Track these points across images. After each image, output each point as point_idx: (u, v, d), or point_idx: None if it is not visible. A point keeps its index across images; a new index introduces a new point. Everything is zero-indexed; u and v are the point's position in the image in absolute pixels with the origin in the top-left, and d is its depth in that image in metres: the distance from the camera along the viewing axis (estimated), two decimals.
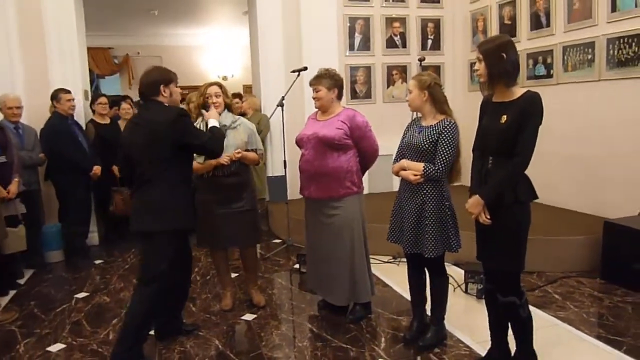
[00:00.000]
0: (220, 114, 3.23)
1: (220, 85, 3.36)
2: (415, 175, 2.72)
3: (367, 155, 3.27)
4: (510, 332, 2.55)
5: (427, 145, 2.71)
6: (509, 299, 2.41)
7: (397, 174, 2.87)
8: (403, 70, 6.22)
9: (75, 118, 4.90)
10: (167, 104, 2.80)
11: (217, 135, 2.93)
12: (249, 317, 3.40)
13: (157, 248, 2.74)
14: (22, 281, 4.25)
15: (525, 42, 5.26)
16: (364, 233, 3.27)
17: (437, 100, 2.76)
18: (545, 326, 3.08)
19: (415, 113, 2.99)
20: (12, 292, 3.98)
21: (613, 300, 3.44)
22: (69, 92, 4.63)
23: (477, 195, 2.38)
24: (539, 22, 5.11)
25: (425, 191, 2.73)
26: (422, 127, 2.79)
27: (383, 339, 3.02)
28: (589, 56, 4.53)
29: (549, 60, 4.99)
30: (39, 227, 4.60)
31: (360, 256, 3.23)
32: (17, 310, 3.61)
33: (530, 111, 2.26)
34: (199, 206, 3.25)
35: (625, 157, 4.26)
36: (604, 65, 4.40)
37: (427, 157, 2.72)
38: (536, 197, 2.39)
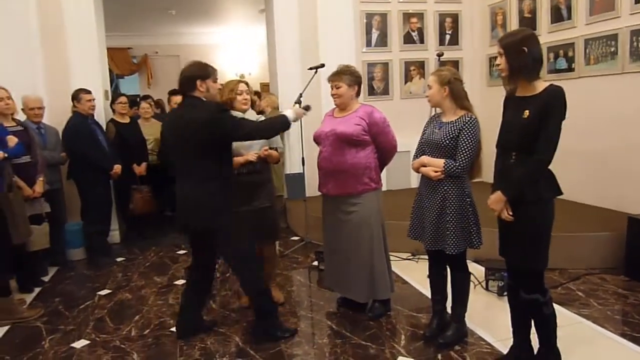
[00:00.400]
0: (245, 112, 3.26)
1: (247, 83, 3.40)
2: (436, 172, 2.69)
3: (385, 152, 3.26)
4: (533, 330, 2.52)
5: (447, 142, 2.68)
6: (533, 297, 2.38)
7: (417, 170, 2.84)
8: (421, 66, 6.17)
9: (95, 118, 4.98)
10: (205, 99, 2.83)
11: (271, 122, 2.97)
12: None
13: (225, 240, 2.83)
14: (46, 279, 4.34)
15: (546, 36, 5.18)
16: (383, 229, 3.26)
17: (458, 95, 2.72)
18: (569, 324, 3.03)
19: (434, 109, 2.96)
20: (37, 290, 4.06)
21: (638, 298, 3.38)
22: (89, 92, 4.69)
23: (499, 192, 2.35)
24: (559, 15, 5.02)
25: (446, 188, 2.70)
26: (442, 123, 2.76)
27: (403, 336, 3.01)
28: (612, 49, 4.44)
29: (570, 54, 4.90)
30: (61, 225, 4.69)
31: (380, 252, 3.22)
32: (42, 307, 3.68)
33: (552, 106, 2.22)
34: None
35: None
36: (628, 58, 4.30)
37: (447, 154, 2.69)
38: (560, 194, 2.35)
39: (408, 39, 6.11)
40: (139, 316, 3.47)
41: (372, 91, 6.04)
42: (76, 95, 4.64)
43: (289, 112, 2.95)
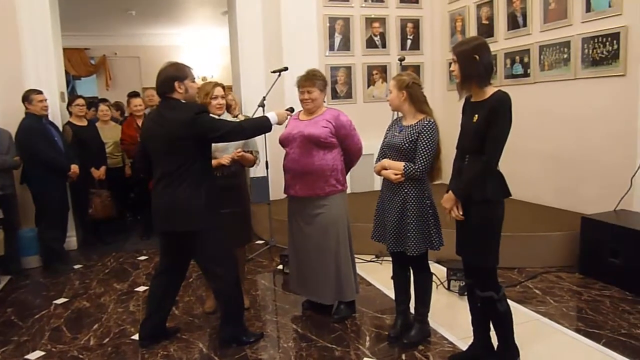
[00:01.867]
0: (220, 116, 3.25)
1: (223, 87, 3.40)
2: (397, 174, 2.76)
3: (351, 154, 3.29)
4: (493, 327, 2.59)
5: (407, 145, 2.75)
6: (487, 294, 2.46)
7: (378, 173, 2.90)
8: (383, 70, 6.25)
9: (50, 119, 4.81)
10: (183, 101, 2.80)
11: (253, 123, 2.93)
12: None
13: (208, 242, 2.82)
14: None
15: (503, 42, 5.34)
16: (349, 231, 3.28)
17: (416, 99, 2.80)
18: (527, 321, 3.13)
19: (396, 113, 3.01)
20: None
21: (591, 294, 3.51)
22: (40, 92, 4.51)
23: (450, 192, 2.47)
24: (515, 22, 5.18)
25: (406, 190, 2.76)
26: (402, 127, 2.83)
27: (367, 338, 3.03)
28: (565, 55, 4.62)
29: (525, 60, 5.07)
30: (14, 232, 4.50)
31: (346, 254, 3.24)
32: None
33: (497, 110, 2.32)
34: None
35: (601, 154, 4.35)
36: (580, 64, 4.48)
37: (407, 157, 2.76)
38: (508, 195, 2.45)
39: (370, 44, 6.18)
40: (97, 325, 3.37)
41: (335, 95, 6.07)
42: (27, 97, 4.46)
43: (272, 115, 2.94)
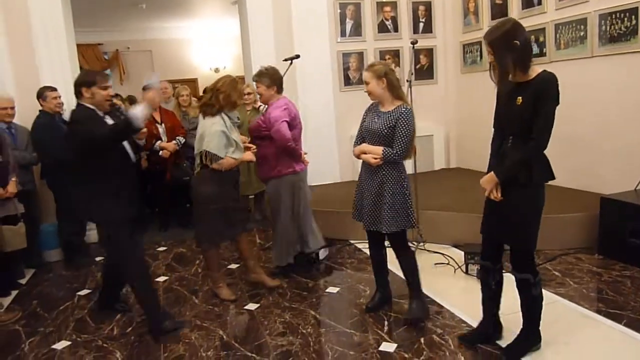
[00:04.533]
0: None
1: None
2: (375, 158, 2.86)
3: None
4: (502, 309, 2.58)
5: (386, 130, 2.86)
6: (524, 276, 2.46)
7: (358, 157, 3.01)
8: (396, 54, 6.19)
9: (67, 115, 4.86)
10: (89, 105, 2.95)
11: (120, 126, 2.93)
12: (251, 306, 3.42)
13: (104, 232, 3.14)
14: (23, 281, 4.25)
15: None
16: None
17: (394, 85, 2.89)
18: (546, 303, 3.06)
19: None
20: (14, 293, 3.98)
21: (612, 275, 3.48)
22: (54, 89, 4.56)
23: (492, 173, 2.41)
24: (530, 1, 5.08)
25: (384, 172, 2.89)
26: (380, 113, 2.94)
27: (386, 323, 3.04)
28: (582, 33, 4.52)
29: (541, 39, 4.97)
30: (37, 226, 4.58)
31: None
32: (20, 310, 3.61)
33: (544, 93, 2.26)
34: (224, 200, 3.40)
35: (619, 133, 4.28)
36: (597, 42, 4.39)
37: (386, 141, 2.87)
38: (553, 178, 2.41)
39: (382, 28, 6.12)
40: (120, 315, 3.43)
41: (347, 81, 6.04)
42: (41, 93, 4.51)
43: (135, 113, 2.82)
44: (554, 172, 2.41)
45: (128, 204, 3.01)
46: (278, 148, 3.60)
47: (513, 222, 2.40)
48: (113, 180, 2.96)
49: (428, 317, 3.02)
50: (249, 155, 3.50)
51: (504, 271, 2.61)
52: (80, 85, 2.92)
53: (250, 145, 3.62)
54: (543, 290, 3.24)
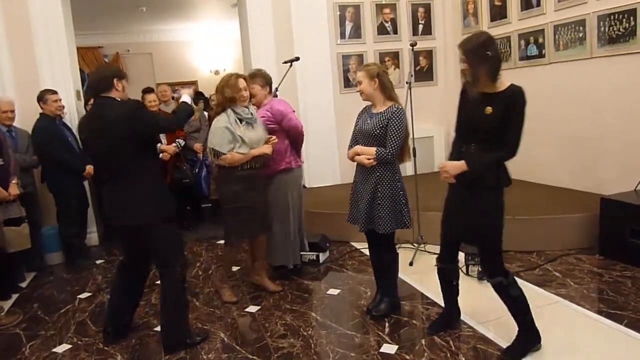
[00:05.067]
0: (247, 107, 3.44)
1: (245, 78, 3.51)
2: (369, 159, 2.90)
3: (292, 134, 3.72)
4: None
5: (378, 131, 2.89)
6: (497, 280, 2.53)
7: (352, 159, 3.03)
8: (395, 56, 6.20)
9: (68, 118, 4.89)
10: (120, 99, 2.82)
11: (181, 111, 3.05)
12: (252, 309, 3.42)
13: (156, 238, 2.82)
14: (24, 284, 4.25)
15: (517, 23, 5.25)
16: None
17: (386, 87, 2.94)
18: (547, 304, 3.11)
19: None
20: (14, 296, 3.98)
21: (612, 276, 3.48)
22: (55, 92, 4.57)
23: (463, 162, 2.47)
24: (529, 2, 5.09)
25: (378, 173, 2.92)
26: (373, 114, 2.97)
27: (387, 324, 3.04)
28: (580, 34, 4.53)
29: (540, 40, 4.98)
30: (37, 229, 4.59)
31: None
32: (21, 313, 3.61)
33: (516, 106, 2.38)
34: (237, 198, 3.40)
35: (619, 134, 4.28)
36: (596, 43, 4.40)
37: (378, 142, 2.91)
38: (511, 183, 2.53)
39: (382, 30, 6.13)
40: None
41: (347, 83, 6.04)
42: (42, 96, 4.52)
43: (186, 98, 3.09)
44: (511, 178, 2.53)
45: (169, 201, 2.94)
46: (292, 138, 3.69)
47: (483, 224, 2.50)
48: (155, 178, 2.89)
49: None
50: (258, 151, 3.38)
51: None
52: (112, 77, 2.78)
53: (271, 136, 3.53)
54: (544, 291, 3.28)
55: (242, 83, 3.37)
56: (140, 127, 2.73)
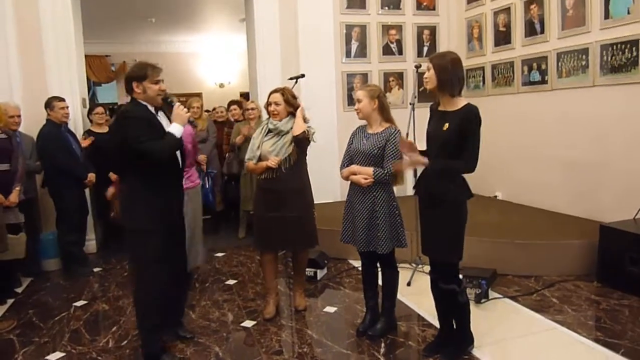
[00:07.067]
0: (280, 121, 3.38)
1: (282, 93, 3.43)
2: (366, 179, 2.92)
3: None
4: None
5: (375, 151, 2.94)
6: (450, 287, 2.70)
7: (347, 178, 3.06)
8: (400, 77, 6.26)
9: (73, 125, 4.91)
10: (141, 101, 2.78)
11: (165, 143, 2.73)
12: (248, 323, 3.41)
13: (131, 243, 2.84)
14: (19, 290, 4.24)
15: (520, 49, 5.32)
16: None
17: (384, 109, 3.01)
18: (544, 330, 3.10)
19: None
20: (10, 301, 3.97)
21: (610, 303, 3.47)
22: (62, 99, 4.62)
23: (427, 159, 2.59)
24: (533, 29, 5.16)
25: (375, 193, 2.95)
26: (369, 135, 3.02)
27: (383, 344, 3.03)
28: (583, 62, 4.58)
29: (543, 67, 5.04)
30: (36, 235, 4.59)
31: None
32: (15, 319, 3.60)
33: (470, 123, 2.52)
34: (254, 206, 3.54)
35: (620, 162, 4.30)
36: (598, 71, 4.44)
37: (375, 162, 2.94)
38: (472, 196, 2.66)
39: (387, 51, 6.20)
40: (116, 327, 3.42)
41: (351, 101, 6.07)
42: (49, 103, 4.57)
43: (175, 129, 2.78)
44: (471, 191, 2.66)
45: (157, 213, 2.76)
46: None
47: (440, 237, 2.63)
48: (149, 188, 2.76)
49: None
50: (267, 162, 3.27)
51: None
52: (131, 80, 2.75)
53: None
54: (540, 316, 3.27)
55: (272, 98, 3.42)
56: (117, 137, 2.70)
